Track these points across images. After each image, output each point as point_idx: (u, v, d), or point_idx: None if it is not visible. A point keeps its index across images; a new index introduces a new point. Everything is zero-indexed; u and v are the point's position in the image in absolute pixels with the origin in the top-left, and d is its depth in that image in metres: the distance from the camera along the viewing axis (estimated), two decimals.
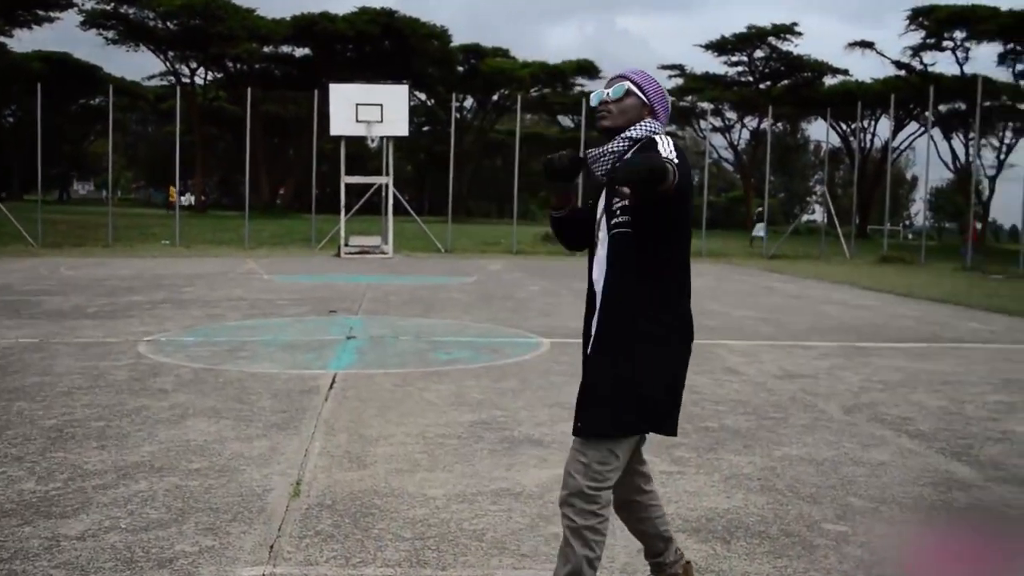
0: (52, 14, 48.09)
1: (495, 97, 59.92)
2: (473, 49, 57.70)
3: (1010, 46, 42.50)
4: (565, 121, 67.02)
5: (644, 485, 3.07)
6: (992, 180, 53.22)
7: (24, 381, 6.83)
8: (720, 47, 56.61)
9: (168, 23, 49.51)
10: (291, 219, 40.78)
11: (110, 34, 50.35)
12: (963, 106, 46.14)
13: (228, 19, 48.09)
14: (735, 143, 62.96)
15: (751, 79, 58.89)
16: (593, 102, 2.94)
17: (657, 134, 2.82)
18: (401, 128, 26.05)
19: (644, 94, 2.88)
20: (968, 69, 46.35)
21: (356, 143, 27.09)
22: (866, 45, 51.82)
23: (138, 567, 3.37)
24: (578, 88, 59.18)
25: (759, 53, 57.07)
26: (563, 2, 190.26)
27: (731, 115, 61.31)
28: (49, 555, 3.47)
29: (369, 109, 25.28)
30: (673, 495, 4.33)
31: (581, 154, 2.94)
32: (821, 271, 22.95)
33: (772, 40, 55.61)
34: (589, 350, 2.90)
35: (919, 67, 49.40)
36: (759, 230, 35.94)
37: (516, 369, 7.82)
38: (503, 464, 4.85)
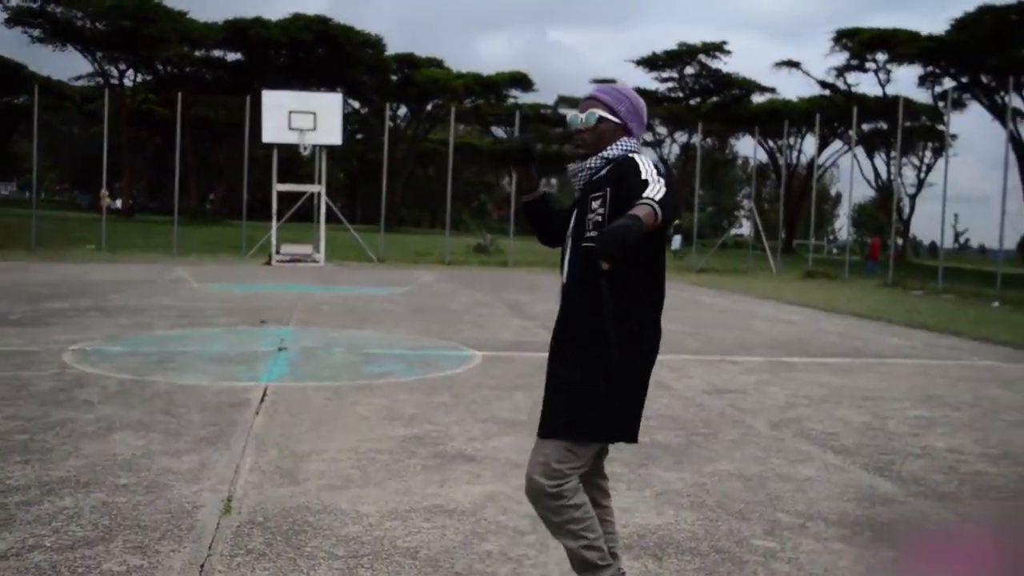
0: None
1: (429, 107, 59.90)
2: (407, 58, 57.61)
3: (929, 69, 43.91)
4: (498, 132, 67.27)
5: (601, 500, 3.13)
6: (912, 198, 54.94)
7: None
8: (651, 63, 57.46)
9: (97, 23, 48.42)
10: (221, 226, 40.17)
11: (36, 32, 49.07)
12: (885, 126, 47.53)
13: (158, 21, 47.23)
14: (665, 158, 63.91)
15: (681, 95, 59.85)
16: (570, 125, 3.00)
17: (633, 152, 2.90)
18: (334, 137, 25.89)
19: (617, 116, 2.95)
20: (890, 90, 47.87)
21: (289, 150, 26.79)
22: (793, 64, 53.08)
23: None
24: (511, 100, 59.53)
25: (689, 70, 58.05)
26: (496, 13, 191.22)
27: (662, 130, 62.32)
28: None
29: (302, 117, 25.09)
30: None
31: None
32: (748, 285, 23.40)
33: (702, 57, 56.64)
34: (552, 351, 3.00)
35: (843, 87, 50.77)
36: (675, 243, 37.15)
37: (449, 382, 7.82)
38: (436, 480, 4.85)
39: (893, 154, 41.57)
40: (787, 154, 55.08)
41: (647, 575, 3.65)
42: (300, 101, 25.89)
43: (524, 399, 7.11)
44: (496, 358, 9.25)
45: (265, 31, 50.25)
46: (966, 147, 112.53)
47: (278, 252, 25.65)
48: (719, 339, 11.84)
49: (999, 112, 38.10)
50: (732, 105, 56.99)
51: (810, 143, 56.26)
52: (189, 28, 49.44)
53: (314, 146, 26.38)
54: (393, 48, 56.98)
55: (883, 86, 48.58)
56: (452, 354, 9.54)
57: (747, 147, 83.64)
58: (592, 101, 2.98)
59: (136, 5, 46.30)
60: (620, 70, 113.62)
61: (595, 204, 2.85)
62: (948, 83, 43.22)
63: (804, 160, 58.03)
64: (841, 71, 49.82)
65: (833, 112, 45.35)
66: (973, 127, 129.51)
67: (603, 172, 2.91)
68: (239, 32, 50.36)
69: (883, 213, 52.13)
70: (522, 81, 59.26)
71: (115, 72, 53.20)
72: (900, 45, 43.76)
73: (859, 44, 46.65)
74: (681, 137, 62.10)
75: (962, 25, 38.49)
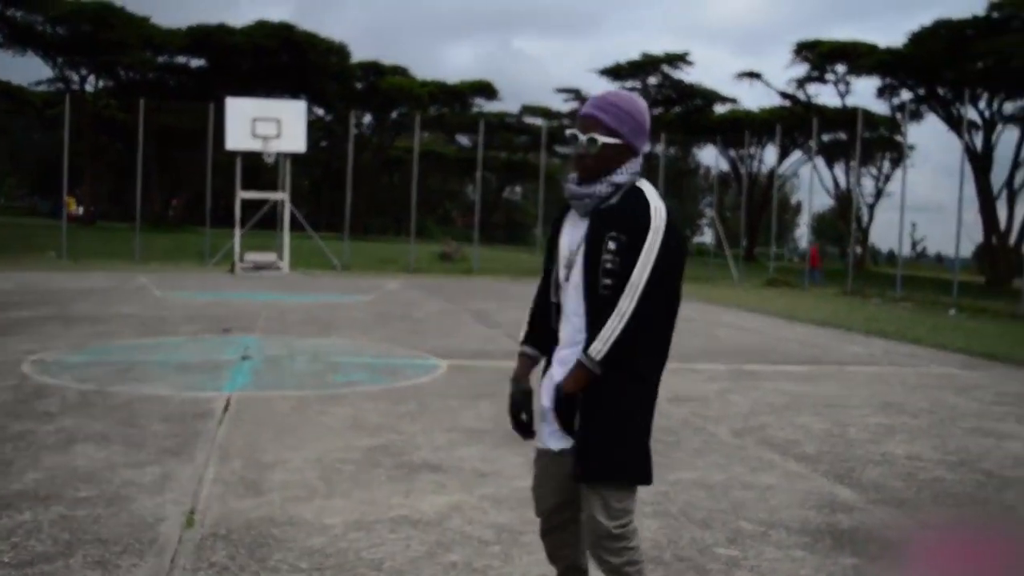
0: None
1: (394, 114, 59.76)
2: (372, 66, 57.46)
3: (887, 81, 44.59)
4: (463, 140, 67.30)
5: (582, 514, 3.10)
6: (871, 207, 55.73)
7: None
8: (615, 73, 57.77)
9: (57, 28, 47.75)
10: (184, 233, 39.77)
11: None
12: (844, 136, 48.16)
13: (120, 26, 46.66)
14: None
15: None
16: (570, 141, 2.83)
17: (639, 176, 2.81)
18: (298, 144, 25.75)
19: (621, 137, 2.79)
20: (849, 101, 48.49)
21: (253, 157, 26.62)
22: (754, 75, 53.64)
23: None
24: (475, 108, 59.62)
25: (652, 80, 58.44)
26: (461, 22, 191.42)
27: None
28: None
29: (266, 124, 24.93)
30: None
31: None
32: (710, 293, 23.57)
33: (665, 68, 57.04)
34: (598, 399, 2.79)
35: (804, 98, 51.41)
36: None
37: (414, 392, 7.82)
38: (401, 490, 4.85)
39: (852, 164, 42.15)
40: (748, 164, 55.67)
41: None
42: (264, 108, 25.73)
43: (489, 408, 7.12)
44: (461, 367, 9.25)
45: (229, 37, 49.85)
46: (923, 157, 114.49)
47: (242, 260, 25.45)
48: (682, 347, 11.87)
49: (955, 124, 38.76)
50: (694, 115, 57.43)
51: (771, 153, 56.91)
52: (151, 34, 48.88)
53: (278, 153, 26.23)
54: (358, 56, 56.84)
55: (842, 97, 49.31)
56: (417, 363, 9.53)
57: (709, 156, 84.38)
58: (592, 122, 2.79)
59: (97, 10, 45.73)
60: (584, 78, 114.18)
61: (611, 245, 2.71)
62: (906, 95, 43.92)
63: (765, 170, 58.68)
64: (801, 82, 50.45)
65: (793, 122, 45.89)
66: (930, 138, 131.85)
67: (613, 201, 2.77)
68: (202, 38, 49.93)
69: (842, 222, 52.79)
70: (486, 89, 59.37)
71: (76, 78, 52.53)
72: (859, 57, 44.41)
73: (819, 56, 47.26)
74: None
75: (919, 39, 39.15)
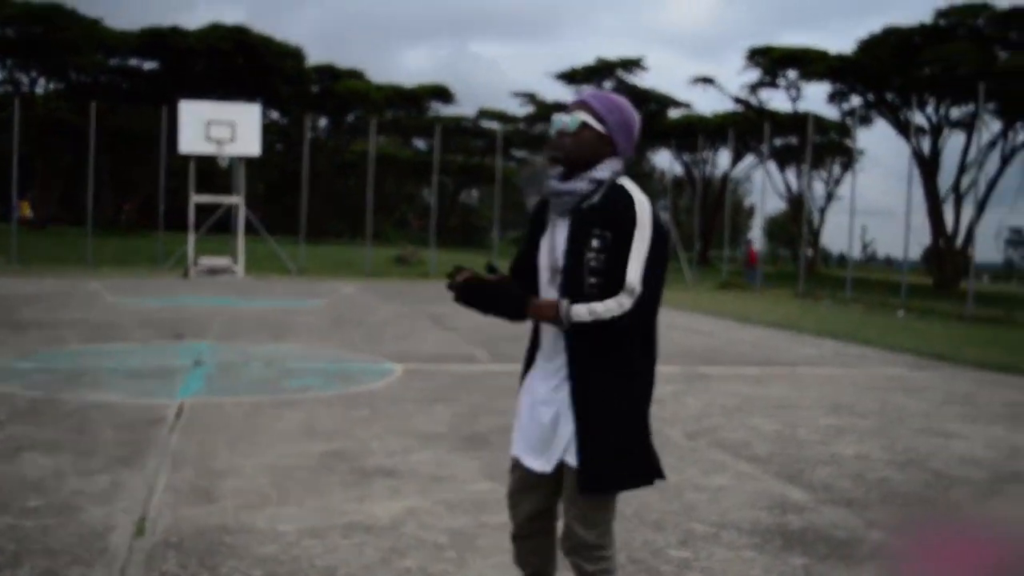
0: None
1: (350, 118, 59.50)
2: (327, 69, 57.12)
3: (837, 86, 45.28)
4: (419, 144, 67.15)
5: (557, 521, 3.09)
6: (822, 211, 56.54)
7: None
8: (570, 77, 58.05)
9: (6, 29, 46.83)
10: (137, 237, 39.20)
11: None
12: (796, 141, 48.83)
13: (71, 28, 45.90)
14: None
15: None
16: (552, 128, 2.78)
17: (622, 176, 2.75)
18: (253, 148, 25.56)
19: (604, 124, 2.72)
20: (800, 106, 49.15)
21: (207, 160, 26.34)
22: (707, 81, 54.19)
23: None
24: (432, 112, 59.55)
25: (608, 84, 58.80)
26: (417, 25, 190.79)
27: None
28: None
29: (220, 127, 24.71)
30: None
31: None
32: (665, 296, 23.73)
33: (620, 73, 57.43)
34: (568, 395, 2.73)
35: (756, 103, 52.04)
36: None
37: (368, 397, 7.80)
38: (355, 496, 4.83)
39: (804, 168, 42.74)
40: (702, 168, 56.22)
41: None
42: (218, 111, 25.50)
43: (445, 412, 7.13)
44: (417, 371, 9.24)
45: (183, 40, 49.25)
46: (873, 162, 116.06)
47: (196, 264, 25.17)
48: None
49: (903, 129, 39.47)
50: (649, 120, 57.88)
51: (725, 157, 57.45)
52: (103, 36, 48.10)
53: (232, 157, 25.98)
54: (313, 59, 56.46)
55: (794, 102, 49.98)
56: (372, 367, 9.50)
57: (664, 160, 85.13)
58: (580, 104, 2.75)
59: (47, 11, 44.95)
60: (541, 83, 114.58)
61: (595, 243, 2.64)
62: (856, 100, 44.67)
63: (719, 173, 59.28)
64: (754, 87, 51.06)
65: (746, 127, 46.44)
66: (879, 143, 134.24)
67: (595, 199, 2.70)
68: (156, 40, 49.26)
69: (794, 225, 53.48)
70: (442, 93, 59.32)
71: (26, 80, 51.55)
72: (810, 63, 45.05)
73: (771, 62, 47.86)
74: None
75: (868, 46, 39.81)
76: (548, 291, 2.77)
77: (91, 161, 29.67)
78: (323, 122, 60.17)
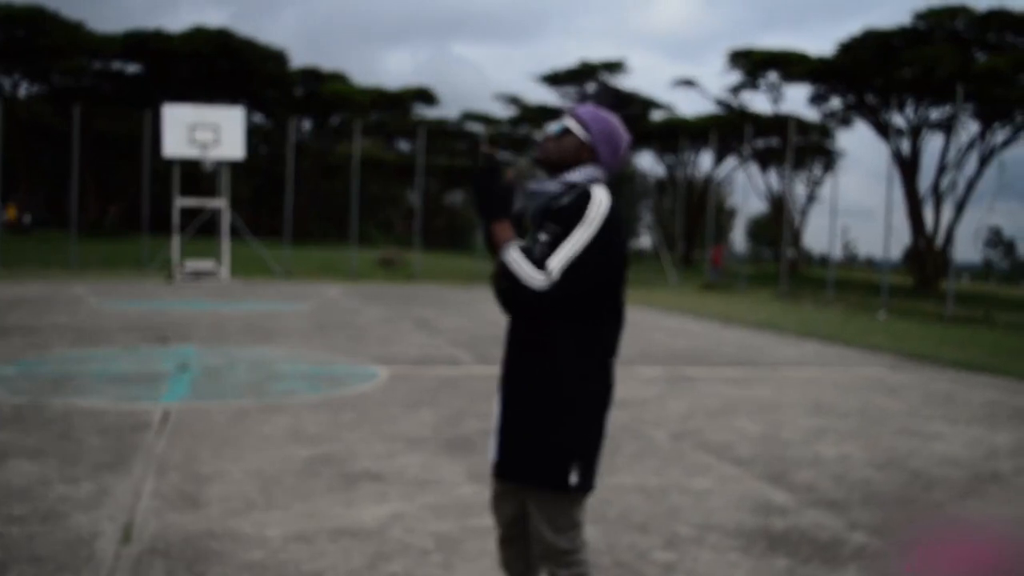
0: None
1: (334, 121, 59.44)
2: (311, 72, 57.04)
3: (818, 88, 45.55)
4: (403, 146, 67.11)
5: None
6: (803, 212, 56.84)
7: None
8: (553, 80, 58.16)
9: None
10: (121, 241, 38.99)
11: None
12: (777, 142, 49.08)
13: (54, 31, 45.65)
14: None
15: None
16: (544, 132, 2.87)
17: (596, 182, 2.78)
18: (237, 151, 25.48)
19: (587, 131, 2.81)
20: (781, 108, 49.43)
21: (191, 164, 26.26)
22: (689, 83, 54.40)
23: None
24: (415, 114, 59.57)
25: (590, 86, 58.90)
26: (400, 28, 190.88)
27: None
28: None
29: (204, 131, 24.63)
30: None
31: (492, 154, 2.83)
32: (648, 297, 23.85)
33: (603, 75, 57.55)
34: (517, 392, 2.80)
35: (737, 105, 52.27)
36: None
37: (354, 400, 7.81)
38: (341, 501, 4.86)
39: (785, 169, 42.99)
40: (685, 169, 56.44)
41: None
42: (202, 115, 25.40)
43: (430, 415, 7.16)
44: (402, 375, 9.26)
45: (166, 43, 49.04)
46: (853, 163, 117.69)
47: (181, 268, 25.08)
48: (621, 350, 12.05)
49: (883, 130, 39.76)
50: (631, 122, 58.02)
51: (707, 158, 57.76)
52: (86, 39, 47.87)
53: (217, 161, 25.91)
54: (297, 62, 56.45)
55: (775, 104, 50.25)
56: (358, 371, 9.51)
57: (647, 162, 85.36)
58: (568, 113, 2.86)
59: (30, 15, 44.70)
60: (523, 85, 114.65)
61: (543, 236, 2.71)
62: (836, 102, 44.97)
63: (701, 175, 59.50)
64: (735, 89, 51.31)
65: (728, 129, 46.65)
66: (859, 144, 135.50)
67: (563, 201, 2.75)
68: (139, 44, 49.04)
69: (776, 226, 53.75)
70: (426, 96, 59.33)
71: (8, 84, 51.24)
72: (791, 66, 45.31)
73: (752, 64, 48.11)
74: None
75: (848, 48, 40.10)
76: None
77: (75, 164, 29.51)
78: (307, 125, 60.06)
